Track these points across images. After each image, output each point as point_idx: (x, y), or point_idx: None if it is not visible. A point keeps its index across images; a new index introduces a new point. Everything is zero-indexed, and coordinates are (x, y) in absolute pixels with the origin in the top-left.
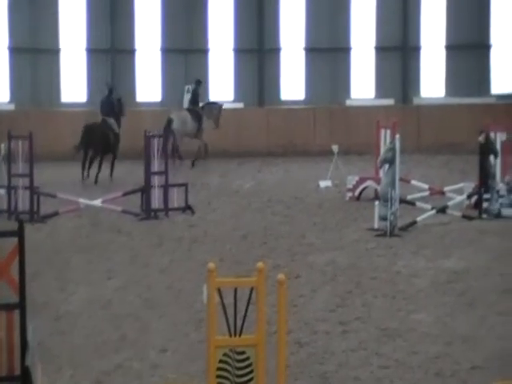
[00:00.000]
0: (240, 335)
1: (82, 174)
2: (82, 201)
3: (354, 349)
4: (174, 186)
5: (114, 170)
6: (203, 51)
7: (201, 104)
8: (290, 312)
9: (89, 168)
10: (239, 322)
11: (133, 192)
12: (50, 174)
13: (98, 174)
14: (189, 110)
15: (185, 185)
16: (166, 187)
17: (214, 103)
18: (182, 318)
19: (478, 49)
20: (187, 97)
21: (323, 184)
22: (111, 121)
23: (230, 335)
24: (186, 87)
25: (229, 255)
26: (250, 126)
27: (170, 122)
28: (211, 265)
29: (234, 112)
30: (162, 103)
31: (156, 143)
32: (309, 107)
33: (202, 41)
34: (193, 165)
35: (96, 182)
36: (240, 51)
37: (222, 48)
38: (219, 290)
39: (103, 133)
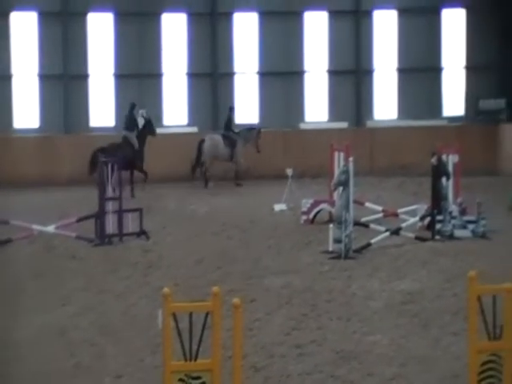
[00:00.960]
0: (195, 360)
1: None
2: (36, 227)
3: (309, 372)
4: (128, 211)
5: (134, 187)
6: (156, 76)
7: (237, 130)
8: (246, 336)
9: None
10: (195, 347)
11: (87, 218)
12: (5, 201)
13: (131, 188)
14: (223, 135)
15: (139, 210)
16: (119, 213)
17: (251, 128)
18: (138, 343)
19: (429, 72)
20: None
21: (278, 207)
22: (131, 136)
23: (186, 360)
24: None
25: (184, 280)
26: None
27: (201, 143)
28: (166, 290)
29: (188, 136)
30: (115, 128)
31: (109, 169)
32: (263, 131)
33: (155, 65)
34: (237, 185)
35: (133, 195)
36: (194, 75)
37: (176, 72)
38: (174, 315)
39: (117, 150)
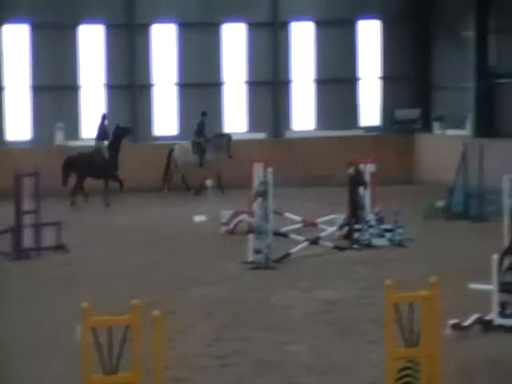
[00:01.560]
0: (116, 373)
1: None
2: None
3: (231, 382)
4: (46, 224)
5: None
6: (75, 87)
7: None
8: (167, 348)
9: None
10: (116, 361)
11: (2, 232)
12: None
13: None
14: (193, 141)
15: (58, 223)
16: (37, 226)
17: (221, 135)
18: (57, 358)
19: (346, 82)
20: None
21: (198, 219)
22: (101, 145)
23: (106, 374)
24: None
25: (105, 293)
26: (132, 163)
27: (171, 151)
28: (85, 304)
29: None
30: (31, 142)
31: (27, 182)
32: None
33: (73, 77)
34: (222, 192)
35: (107, 204)
36: (111, 87)
37: (93, 84)
38: (93, 329)
39: (84, 159)
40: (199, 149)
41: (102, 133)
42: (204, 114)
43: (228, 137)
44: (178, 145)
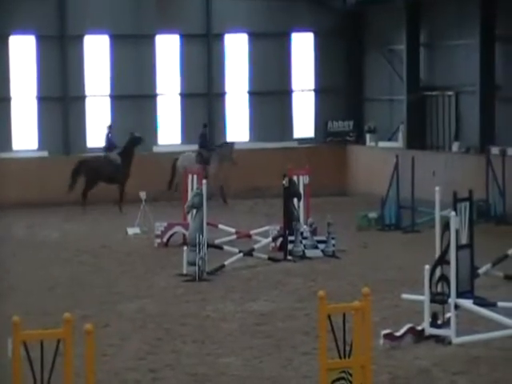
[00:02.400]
0: None
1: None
2: None
3: None
4: None
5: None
6: (5, 100)
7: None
8: (99, 362)
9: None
10: (48, 375)
11: None
12: None
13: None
14: (198, 152)
15: None
16: None
17: (225, 143)
18: None
19: (280, 94)
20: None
21: (131, 231)
22: (112, 155)
23: None
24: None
25: (36, 308)
26: (54, 176)
27: (175, 161)
28: (15, 318)
29: (38, 161)
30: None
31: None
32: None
33: (4, 89)
34: (224, 202)
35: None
36: (43, 99)
37: (26, 96)
38: (25, 344)
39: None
40: (203, 159)
41: (109, 143)
42: (205, 125)
43: (230, 145)
44: (182, 155)
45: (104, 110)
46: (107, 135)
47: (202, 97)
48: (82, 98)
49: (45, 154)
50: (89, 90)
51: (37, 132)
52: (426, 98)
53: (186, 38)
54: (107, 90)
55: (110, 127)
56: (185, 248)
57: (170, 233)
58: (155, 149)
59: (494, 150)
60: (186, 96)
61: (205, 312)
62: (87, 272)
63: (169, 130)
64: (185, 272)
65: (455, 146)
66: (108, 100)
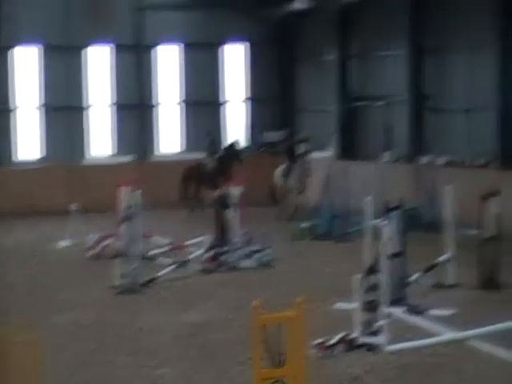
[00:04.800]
0: None
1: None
2: None
3: None
4: None
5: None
6: None
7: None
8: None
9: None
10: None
11: None
12: None
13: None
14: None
15: None
16: None
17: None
18: None
19: (213, 105)
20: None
21: (63, 243)
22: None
23: None
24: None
25: None
26: None
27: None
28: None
29: None
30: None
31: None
32: (45, 166)
33: None
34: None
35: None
36: None
37: None
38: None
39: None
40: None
41: (211, 148)
42: (209, 132)
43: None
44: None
45: (36, 122)
46: (211, 141)
47: (134, 108)
48: (8, 111)
49: None
50: (18, 101)
51: None
52: (356, 109)
53: (117, 49)
54: (39, 101)
55: (208, 132)
56: (117, 260)
57: (102, 244)
58: (86, 160)
59: (424, 160)
60: (117, 107)
61: (138, 323)
62: (16, 284)
63: (100, 140)
64: (117, 284)
65: (386, 156)
66: (40, 111)
